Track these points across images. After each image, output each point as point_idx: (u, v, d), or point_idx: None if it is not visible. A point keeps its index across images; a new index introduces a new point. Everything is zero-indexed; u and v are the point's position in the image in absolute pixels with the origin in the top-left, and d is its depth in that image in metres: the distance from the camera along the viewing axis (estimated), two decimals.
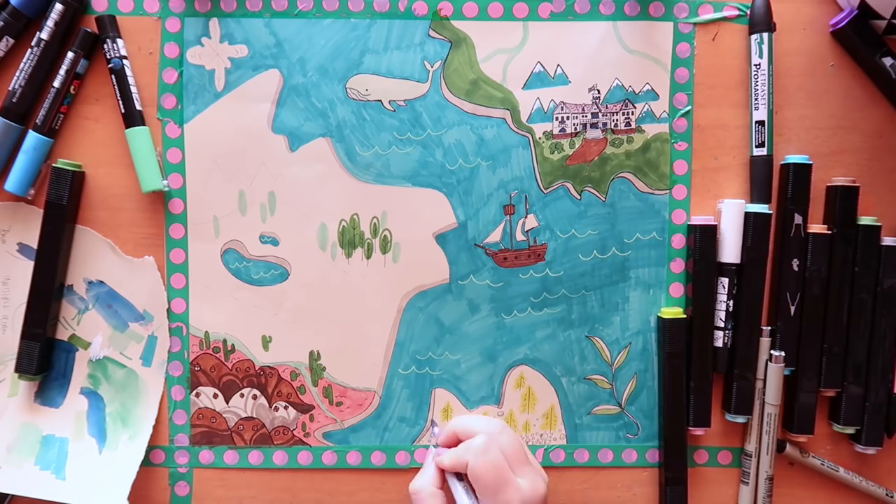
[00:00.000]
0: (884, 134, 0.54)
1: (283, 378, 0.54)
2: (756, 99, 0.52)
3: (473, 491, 0.47)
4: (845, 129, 0.54)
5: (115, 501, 0.49)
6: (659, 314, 0.54)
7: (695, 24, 0.53)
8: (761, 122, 0.52)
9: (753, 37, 0.52)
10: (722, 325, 0.53)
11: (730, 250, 0.53)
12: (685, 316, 0.53)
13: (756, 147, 0.53)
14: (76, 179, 0.51)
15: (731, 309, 0.53)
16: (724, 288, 0.53)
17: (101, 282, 0.53)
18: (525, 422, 0.54)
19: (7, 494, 0.52)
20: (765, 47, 0.52)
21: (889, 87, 0.53)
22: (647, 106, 0.53)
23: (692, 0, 0.53)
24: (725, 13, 0.53)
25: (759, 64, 0.52)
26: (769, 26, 0.52)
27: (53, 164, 0.51)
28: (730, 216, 0.53)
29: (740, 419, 0.53)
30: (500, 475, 0.46)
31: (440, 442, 0.51)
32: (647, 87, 0.53)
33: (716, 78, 0.53)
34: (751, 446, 0.53)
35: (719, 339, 0.53)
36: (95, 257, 0.53)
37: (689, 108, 0.53)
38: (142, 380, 0.53)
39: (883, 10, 0.50)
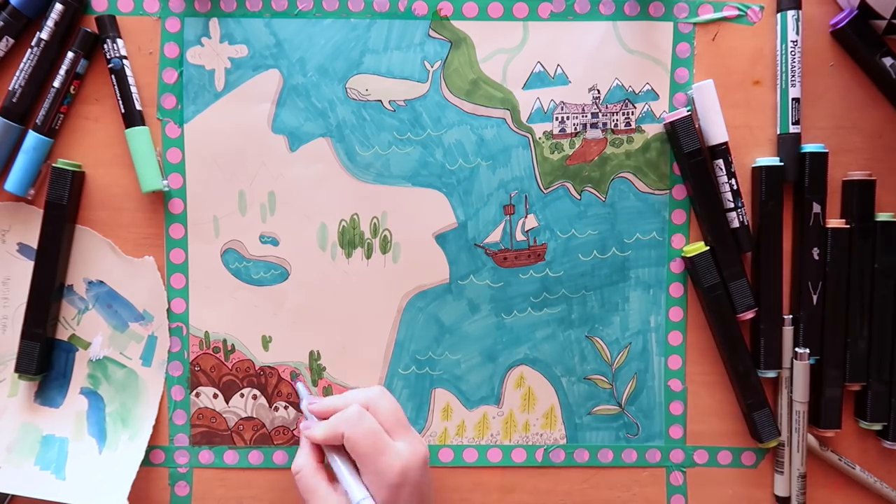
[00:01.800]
0: (884, 134, 0.54)
1: (283, 378, 0.54)
2: (793, 76, 0.52)
3: (353, 462, 0.46)
4: (845, 129, 0.54)
5: (115, 501, 0.49)
6: (682, 254, 0.53)
7: (695, 24, 0.53)
8: (797, 100, 0.52)
9: (791, 13, 0.52)
10: (732, 205, 0.52)
11: (715, 131, 0.52)
12: (708, 248, 0.53)
13: (792, 125, 0.52)
14: (76, 179, 0.51)
15: (735, 187, 0.52)
16: (721, 170, 0.52)
17: (101, 282, 0.53)
18: (525, 422, 0.54)
19: (7, 494, 0.52)
20: (801, 24, 0.52)
21: (889, 87, 0.53)
22: (647, 106, 0.53)
23: (692, 0, 0.53)
24: (725, 13, 0.53)
25: (797, 41, 0.52)
26: (798, 3, 0.52)
27: (53, 164, 0.50)
28: (704, 98, 0.52)
29: (770, 374, 0.53)
30: (377, 441, 0.45)
31: (316, 414, 0.50)
32: (647, 87, 0.53)
33: (716, 78, 0.53)
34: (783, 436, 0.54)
35: (734, 219, 0.52)
36: (95, 257, 0.53)
37: (689, 108, 0.53)
38: (142, 380, 0.53)
39: (883, 10, 0.50)
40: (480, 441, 0.54)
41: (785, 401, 0.53)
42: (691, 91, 0.53)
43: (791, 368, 0.53)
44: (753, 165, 0.53)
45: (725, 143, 0.52)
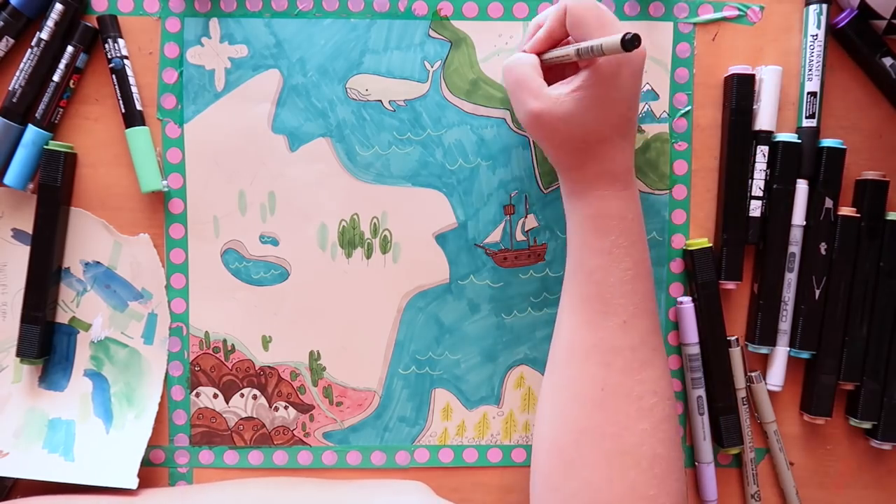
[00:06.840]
0: (883, 134, 0.54)
1: (283, 378, 0.54)
2: (811, 70, 0.52)
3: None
4: (845, 129, 0.54)
5: (125, 479, 0.50)
6: (685, 246, 0.53)
7: (695, 24, 0.53)
8: (813, 94, 0.52)
9: (812, 7, 0.52)
10: (760, 194, 0.52)
11: (766, 118, 0.52)
12: (710, 245, 0.53)
13: (806, 118, 0.53)
14: (68, 161, 0.51)
15: (769, 177, 0.52)
16: (763, 156, 0.52)
17: (98, 262, 0.53)
18: (525, 422, 0.54)
19: (10, 479, 0.52)
20: (823, 18, 0.52)
21: (889, 87, 0.53)
22: (647, 106, 0.53)
23: (692, 0, 0.53)
24: (725, 13, 0.53)
25: (817, 35, 0.52)
26: None
27: (45, 146, 0.50)
28: (769, 83, 0.52)
29: (763, 350, 0.53)
30: (602, 15, 0.43)
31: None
32: (647, 87, 0.53)
33: (716, 78, 0.53)
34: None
35: (756, 209, 0.52)
36: (90, 238, 0.53)
37: (689, 108, 0.53)
38: (144, 358, 0.53)
39: (883, 10, 0.50)
40: (480, 441, 0.54)
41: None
42: (758, 71, 0.53)
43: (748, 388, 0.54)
44: (774, 140, 0.52)
45: (772, 132, 0.52)
